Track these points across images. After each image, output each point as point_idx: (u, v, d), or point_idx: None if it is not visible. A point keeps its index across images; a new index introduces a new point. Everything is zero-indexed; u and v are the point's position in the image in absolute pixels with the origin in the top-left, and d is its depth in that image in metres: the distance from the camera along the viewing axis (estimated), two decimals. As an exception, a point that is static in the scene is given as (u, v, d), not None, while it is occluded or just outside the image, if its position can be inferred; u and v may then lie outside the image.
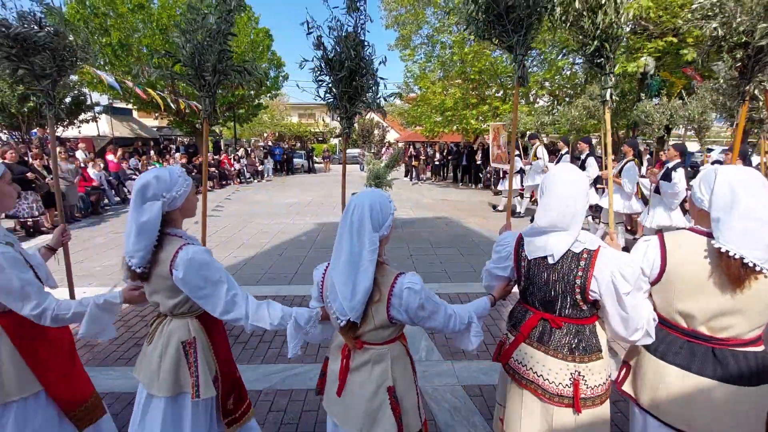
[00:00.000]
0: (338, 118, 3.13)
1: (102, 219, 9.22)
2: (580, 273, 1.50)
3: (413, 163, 18.45)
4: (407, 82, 17.82)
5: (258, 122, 31.08)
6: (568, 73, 12.86)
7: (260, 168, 18.35)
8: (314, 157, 25.13)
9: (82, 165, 9.92)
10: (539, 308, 1.64)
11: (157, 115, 19.86)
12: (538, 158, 8.63)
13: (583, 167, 7.00)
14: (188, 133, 19.83)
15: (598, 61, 2.28)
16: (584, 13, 2.15)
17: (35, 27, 2.54)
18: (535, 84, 13.22)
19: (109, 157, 12.27)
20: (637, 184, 6.07)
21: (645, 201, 6.03)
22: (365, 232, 1.41)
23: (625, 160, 6.13)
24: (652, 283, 1.57)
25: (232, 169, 16.46)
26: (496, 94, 15.17)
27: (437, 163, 18.31)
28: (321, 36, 2.88)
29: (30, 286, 1.62)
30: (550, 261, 1.55)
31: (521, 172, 9.30)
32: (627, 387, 1.72)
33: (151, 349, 1.70)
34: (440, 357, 3.39)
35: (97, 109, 17.72)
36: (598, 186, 7.10)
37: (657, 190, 5.31)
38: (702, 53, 2.46)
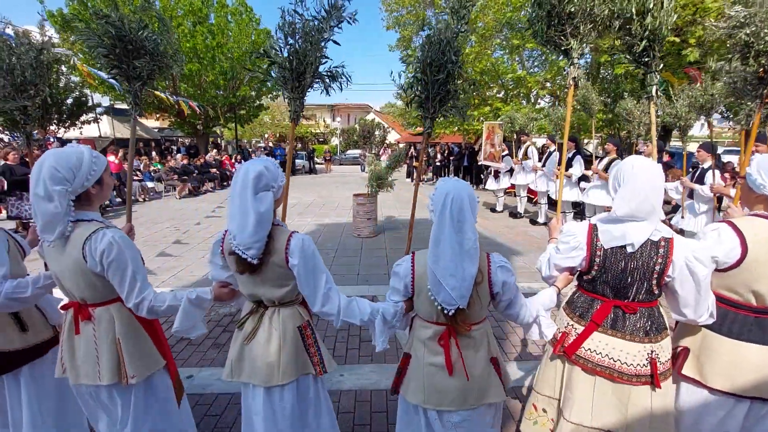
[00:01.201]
0: (421, 117, 3.10)
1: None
2: (659, 260, 1.57)
3: (414, 164, 18.44)
4: (408, 81, 17.82)
5: (259, 123, 31.13)
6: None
7: (261, 169, 18.34)
8: (315, 158, 25.15)
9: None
10: (610, 296, 1.69)
11: (158, 116, 19.88)
12: (528, 157, 8.84)
13: (569, 165, 7.34)
14: (189, 134, 19.85)
15: (646, 59, 2.45)
16: (633, 17, 2.32)
17: (142, 31, 2.64)
18: (536, 84, 13.22)
19: (110, 158, 12.29)
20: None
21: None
22: (467, 222, 1.48)
23: (609, 158, 6.51)
24: (729, 268, 1.66)
25: (234, 170, 16.47)
26: (498, 95, 15.17)
27: (438, 164, 18.30)
28: (431, 35, 2.85)
29: (141, 273, 1.65)
30: (630, 250, 1.61)
31: (511, 171, 9.49)
32: (689, 371, 1.79)
33: (262, 344, 1.68)
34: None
35: (98, 110, 17.75)
36: (582, 183, 7.36)
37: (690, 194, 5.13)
38: (722, 59, 2.59)
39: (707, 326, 1.72)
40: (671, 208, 6.05)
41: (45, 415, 1.93)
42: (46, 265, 1.70)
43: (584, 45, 2.49)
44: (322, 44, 2.79)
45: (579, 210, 8.22)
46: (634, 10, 2.30)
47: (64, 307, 1.74)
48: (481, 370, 1.61)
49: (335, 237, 7.65)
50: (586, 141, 11.29)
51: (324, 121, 40.89)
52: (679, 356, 1.80)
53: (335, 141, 38.06)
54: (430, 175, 19.11)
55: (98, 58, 2.67)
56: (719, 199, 5.04)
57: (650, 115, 2.74)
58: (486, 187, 10.90)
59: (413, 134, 19.43)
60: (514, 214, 9.46)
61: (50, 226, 1.53)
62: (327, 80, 2.91)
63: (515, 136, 9.75)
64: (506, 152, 9.78)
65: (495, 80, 14.67)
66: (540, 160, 8.73)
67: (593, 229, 1.70)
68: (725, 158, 9.72)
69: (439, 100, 2.87)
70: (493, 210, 10.29)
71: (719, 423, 1.74)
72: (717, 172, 4.69)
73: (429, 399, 1.61)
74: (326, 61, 2.87)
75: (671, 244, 1.58)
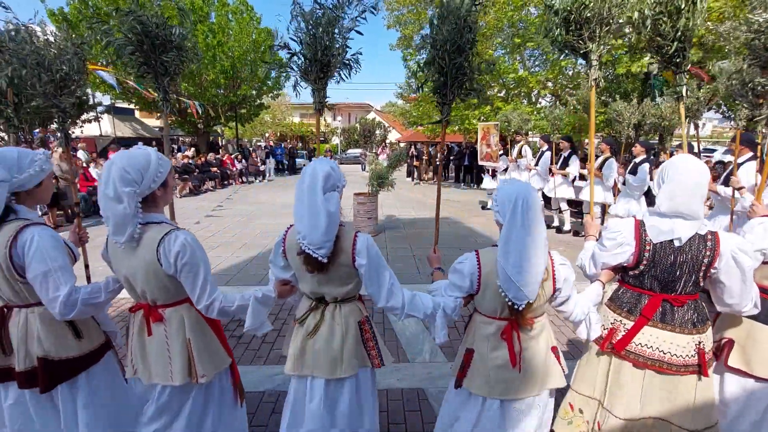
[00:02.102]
0: (438, 103, 2.89)
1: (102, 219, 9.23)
2: (707, 253, 1.65)
3: (415, 163, 18.42)
4: (409, 82, 17.79)
5: (260, 122, 31.10)
6: (570, 72, 12.83)
7: (262, 168, 18.35)
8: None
9: (84, 165, 9.92)
10: (657, 290, 1.76)
11: (159, 115, 19.86)
12: (522, 156, 9.06)
13: (566, 164, 7.60)
14: (189, 133, 19.84)
15: (677, 60, 2.51)
16: (664, 18, 2.37)
17: (165, 25, 2.58)
18: (537, 84, 13.19)
19: (111, 156, 12.30)
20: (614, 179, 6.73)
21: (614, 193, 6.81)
22: (535, 221, 1.55)
23: (603, 156, 6.82)
24: None
25: (234, 169, 16.45)
26: (498, 94, 15.14)
27: (438, 163, 18.25)
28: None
29: (211, 275, 1.68)
30: (677, 244, 1.68)
31: (506, 170, 9.70)
32: (735, 362, 1.89)
33: (325, 339, 1.74)
34: (444, 359, 3.37)
35: (99, 109, 17.74)
36: (580, 182, 7.58)
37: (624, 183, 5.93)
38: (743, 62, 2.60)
39: (752, 317, 1.80)
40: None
41: (101, 421, 1.89)
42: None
43: (602, 47, 2.52)
44: (346, 34, 2.72)
45: (578, 209, 8.34)
46: (648, 12, 2.35)
47: (133, 309, 1.76)
48: (542, 359, 1.71)
49: (336, 236, 7.63)
50: (587, 141, 11.28)
51: (325, 120, 40.87)
52: (723, 348, 1.89)
53: (336, 140, 38.03)
54: (430, 174, 19.08)
55: (123, 56, 2.61)
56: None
57: (680, 115, 2.82)
58: (483, 186, 11.04)
59: (425, 133, 19.35)
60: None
61: (121, 227, 1.55)
62: (345, 69, 2.85)
63: (516, 137, 9.89)
64: (502, 152, 10.01)
65: (496, 79, 14.64)
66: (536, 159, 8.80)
67: (641, 225, 1.77)
68: (726, 158, 9.71)
69: (458, 84, 2.72)
70: (484, 207, 10.55)
71: (765, 410, 1.84)
72: (646, 165, 5.19)
73: (494, 390, 1.70)
74: (347, 51, 2.81)
75: (717, 237, 1.65)
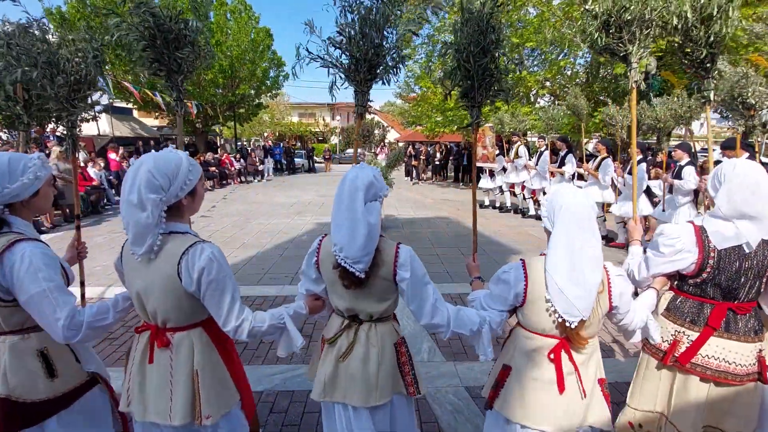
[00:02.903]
0: (467, 107, 2.76)
1: (102, 218, 9.21)
2: None
3: (413, 162, 18.42)
4: (408, 81, 17.77)
5: (258, 122, 31.06)
6: (569, 72, 12.83)
7: (260, 167, 18.33)
8: (314, 157, 25.12)
9: (82, 164, 9.90)
10: (719, 298, 1.69)
11: (157, 114, 19.83)
12: (519, 156, 9.28)
13: (562, 163, 7.81)
14: (188, 132, 19.80)
15: (707, 65, 2.55)
16: (696, 24, 2.40)
17: (181, 22, 2.43)
18: (536, 83, 13.20)
19: (111, 155, 12.26)
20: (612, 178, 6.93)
21: (618, 192, 6.97)
22: (589, 230, 1.43)
23: (600, 157, 7.02)
24: None
25: (233, 168, 16.43)
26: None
27: (438, 162, 18.28)
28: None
29: (238, 292, 1.49)
30: (746, 249, 1.61)
31: (503, 170, 10.05)
32: None
33: (360, 361, 1.58)
34: (442, 358, 3.37)
35: (97, 108, 17.66)
36: (577, 181, 7.79)
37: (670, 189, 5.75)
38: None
39: None
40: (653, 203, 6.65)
41: None
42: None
43: (642, 50, 2.51)
44: (404, 32, 2.56)
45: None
46: (690, 16, 2.37)
47: (139, 330, 1.55)
48: (589, 388, 1.51)
49: (334, 236, 7.62)
50: (586, 141, 11.32)
51: (323, 119, 40.82)
52: None
53: (335, 140, 38.00)
54: (429, 173, 19.08)
55: (134, 53, 2.44)
56: (696, 193, 5.41)
57: (706, 119, 2.88)
58: (480, 185, 11.13)
59: (424, 133, 19.29)
60: (524, 215, 9.84)
61: (140, 238, 1.38)
62: (393, 71, 2.66)
63: (512, 138, 10.11)
64: (498, 152, 10.26)
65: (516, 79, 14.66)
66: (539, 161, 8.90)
67: (701, 231, 1.69)
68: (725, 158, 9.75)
69: (486, 86, 2.64)
70: (481, 205, 10.82)
71: None
72: (692, 168, 5.23)
73: (530, 416, 1.51)
74: (398, 51, 2.61)
75: None
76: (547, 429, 1.49)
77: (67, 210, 8.63)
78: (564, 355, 1.49)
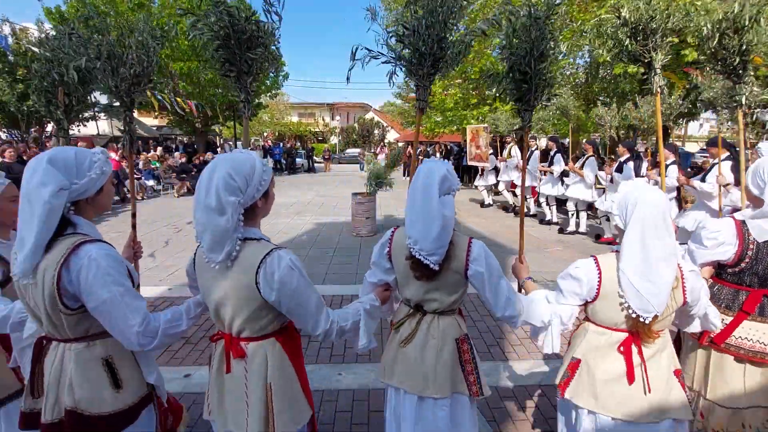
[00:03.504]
0: (519, 111, 2.69)
1: (102, 218, 9.20)
2: None
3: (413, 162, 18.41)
4: (407, 81, 17.78)
5: (258, 121, 31.08)
6: (569, 73, 12.85)
7: (260, 167, 18.33)
8: (314, 157, 25.13)
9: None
10: (756, 286, 1.84)
11: (156, 114, 19.82)
12: (512, 156, 9.63)
13: (551, 162, 8.21)
14: (188, 132, 19.80)
15: (740, 71, 2.69)
16: (729, 33, 2.53)
17: (254, 23, 2.37)
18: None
19: (111, 155, 12.25)
20: (596, 175, 7.25)
21: (602, 190, 7.37)
22: (664, 225, 1.44)
23: (586, 156, 7.39)
24: None
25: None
26: (497, 94, 15.13)
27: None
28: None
29: (318, 294, 1.45)
30: None
31: (494, 170, 10.49)
32: None
33: (418, 350, 1.62)
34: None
35: (96, 107, 17.69)
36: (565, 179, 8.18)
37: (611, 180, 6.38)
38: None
39: None
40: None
41: None
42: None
43: (664, 57, 2.64)
44: (475, 30, 2.54)
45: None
46: (724, 25, 2.52)
47: (214, 338, 1.51)
48: (664, 380, 1.54)
49: (334, 236, 7.64)
50: (584, 140, 11.38)
51: (323, 119, 40.84)
52: None
53: (334, 140, 38.02)
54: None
55: (207, 52, 2.36)
56: (678, 190, 5.81)
57: (738, 122, 3.04)
58: (476, 183, 11.69)
59: (424, 134, 19.34)
60: (505, 208, 10.43)
61: (219, 244, 1.31)
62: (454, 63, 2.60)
63: (506, 138, 10.49)
64: (492, 152, 10.64)
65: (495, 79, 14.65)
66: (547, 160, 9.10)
67: (743, 225, 1.85)
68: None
69: (540, 90, 2.63)
70: (482, 205, 11.09)
71: None
72: (675, 167, 5.64)
73: (600, 405, 1.55)
74: (461, 45, 2.54)
75: None
76: (617, 416, 1.53)
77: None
78: (633, 348, 1.54)
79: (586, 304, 1.64)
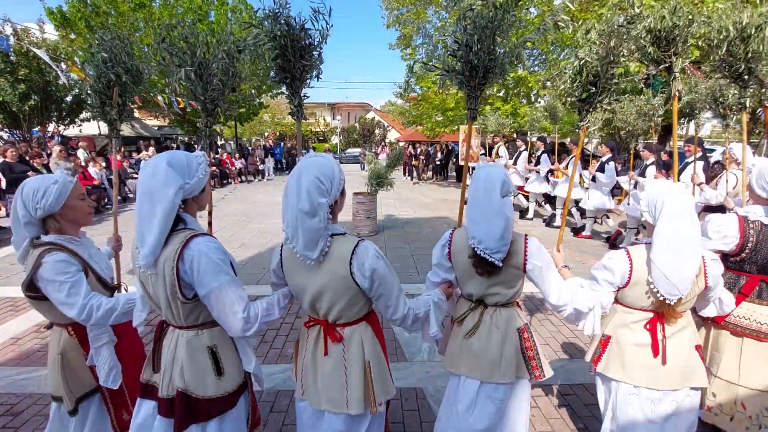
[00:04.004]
0: (581, 110, 2.77)
1: (103, 218, 9.22)
2: None
3: (413, 162, 18.42)
4: (408, 81, 17.77)
5: (259, 121, 31.09)
6: (570, 72, 12.82)
7: (261, 167, 18.34)
8: (315, 157, 25.06)
9: (83, 164, 9.91)
10: (755, 272, 2.07)
11: (157, 114, 19.84)
12: (500, 156, 10.04)
13: (538, 162, 8.62)
14: (189, 132, 19.82)
15: (745, 77, 2.86)
16: (737, 41, 2.70)
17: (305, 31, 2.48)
18: (536, 84, 13.20)
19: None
20: (581, 174, 7.65)
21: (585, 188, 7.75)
22: (691, 221, 1.61)
23: (571, 155, 7.85)
24: None
25: (233, 168, 16.44)
26: (498, 94, 15.13)
27: (438, 162, 18.28)
28: None
29: (400, 285, 1.60)
30: None
31: None
32: None
33: (484, 341, 1.75)
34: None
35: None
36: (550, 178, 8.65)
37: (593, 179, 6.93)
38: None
39: None
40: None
41: None
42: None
43: (683, 61, 2.77)
44: (525, 40, 2.63)
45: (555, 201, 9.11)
46: (732, 33, 2.68)
47: (308, 324, 1.65)
48: (686, 353, 1.76)
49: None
50: (586, 141, 11.39)
51: (324, 119, 40.83)
52: None
53: (335, 139, 38.01)
54: (429, 173, 19.08)
55: (265, 61, 2.49)
56: None
57: (743, 124, 3.23)
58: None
59: (425, 133, 19.31)
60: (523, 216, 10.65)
61: (313, 243, 1.44)
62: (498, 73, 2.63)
63: (494, 138, 10.74)
64: (483, 152, 11.03)
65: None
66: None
67: (744, 220, 2.07)
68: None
69: (607, 92, 2.71)
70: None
71: None
72: (653, 167, 5.92)
73: (630, 375, 1.78)
74: (511, 57, 2.61)
75: None
76: (640, 384, 1.76)
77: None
78: (659, 326, 1.76)
79: (617, 289, 1.83)
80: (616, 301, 1.89)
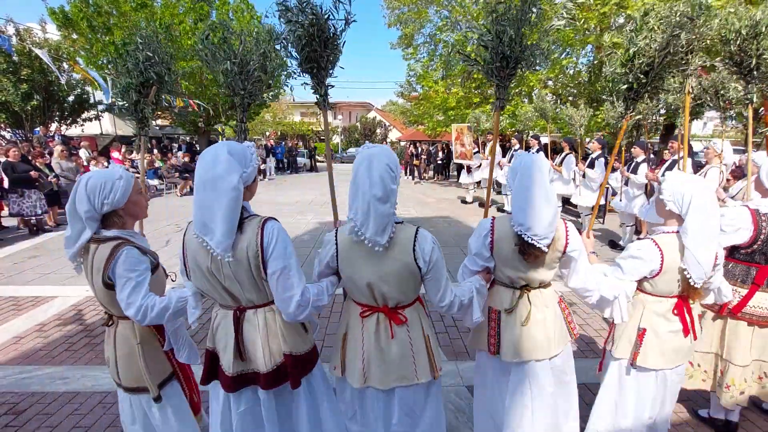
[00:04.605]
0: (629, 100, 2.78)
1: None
2: None
3: (415, 162, 18.41)
4: (410, 80, 17.77)
5: (260, 121, 31.09)
6: (572, 72, 12.80)
7: (262, 167, 18.35)
8: (316, 156, 25.12)
9: (85, 163, 9.93)
10: (763, 263, 2.19)
11: (159, 113, 19.86)
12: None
13: (512, 158, 8.98)
14: (190, 131, 19.84)
15: (754, 72, 2.95)
16: (749, 38, 2.79)
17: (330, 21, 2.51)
18: (538, 83, 13.17)
19: (114, 154, 12.31)
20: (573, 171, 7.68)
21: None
22: (715, 209, 1.76)
23: (564, 153, 7.83)
24: None
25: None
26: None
27: (439, 162, 18.27)
28: None
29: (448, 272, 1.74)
30: None
31: (479, 166, 10.81)
32: None
33: (540, 323, 1.85)
34: (444, 357, 3.37)
35: (99, 107, 17.75)
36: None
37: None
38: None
39: None
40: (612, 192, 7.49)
41: (327, 422, 1.83)
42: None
43: (697, 59, 2.80)
44: (550, 27, 2.71)
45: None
46: (744, 33, 2.78)
47: (364, 314, 1.70)
48: (698, 327, 2.01)
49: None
50: (588, 140, 11.37)
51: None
52: None
53: (336, 139, 38.01)
54: (430, 173, 19.06)
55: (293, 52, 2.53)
56: (651, 186, 6.10)
57: (749, 120, 3.29)
58: (460, 181, 12.26)
59: (426, 133, 19.30)
60: (482, 204, 10.77)
61: (382, 228, 1.52)
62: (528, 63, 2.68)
63: (487, 136, 10.86)
64: (476, 150, 11.09)
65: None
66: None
67: (757, 213, 2.20)
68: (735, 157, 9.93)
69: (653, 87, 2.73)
70: (464, 201, 11.40)
71: None
72: (645, 165, 6.08)
73: (669, 361, 1.93)
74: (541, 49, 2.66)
75: None
76: (681, 364, 1.97)
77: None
78: (685, 309, 1.93)
79: (642, 279, 1.92)
80: (644, 292, 1.98)
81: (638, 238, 2.09)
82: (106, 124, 18.39)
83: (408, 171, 19.27)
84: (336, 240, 1.66)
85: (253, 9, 17.75)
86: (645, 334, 1.95)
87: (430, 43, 16.91)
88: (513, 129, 11.65)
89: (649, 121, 7.48)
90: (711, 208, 1.76)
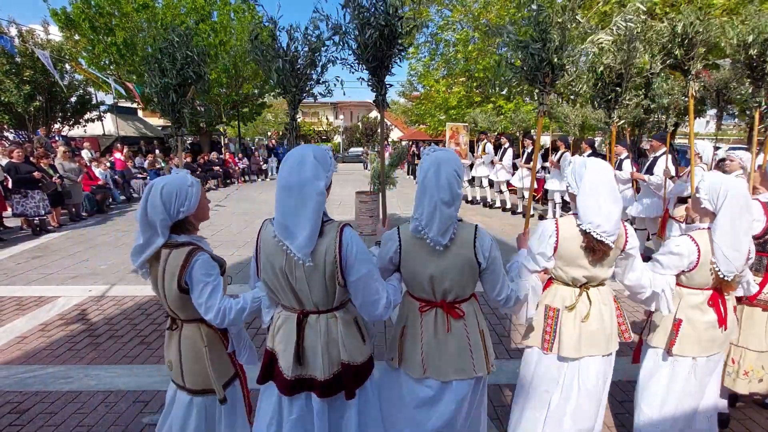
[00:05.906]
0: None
1: (108, 218, 9.27)
2: None
3: (416, 161, 18.41)
4: (411, 80, 17.76)
5: (262, 121, 31.13)
6: (573, 71, 12.78)
7: (264, 167, 18.38)
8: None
9: (87, 164, 9.97)
10: None
11: (161, 114, 19.90)
12: (486, 153, 10.27)
13: (528, 160, 8.96)
14: (191, 132, 19.89)
15: (765, 76, 3.08)
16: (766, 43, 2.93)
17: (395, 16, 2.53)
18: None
19: (116, 155, 12.35)
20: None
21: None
22: (747, 208, 1.87)
23: (561, 152, 8.19)
24: None
25: (237, 168, 16.50)
26: (501, 93, 15.09)
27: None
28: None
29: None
30: None
31: (471, 165, 10.95)
32: None
33: (598, 319, 1.92)
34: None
35: (102, 108, 17.81)
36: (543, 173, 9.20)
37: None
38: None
39: None
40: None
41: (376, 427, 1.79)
42: None
43: (699, 64, 2.97)
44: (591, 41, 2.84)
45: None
46: (762, 38, 2.93)
47: (423, 309, 1.74)
48: (732, 318, 2.08)
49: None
50: (557, 138, 11.62)
51: (327, 118, 40.85)
52: None
53: (338, 139, 38.02)
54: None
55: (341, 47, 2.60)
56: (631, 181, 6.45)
57: (755, 120, 3.37)
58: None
59: (428, 132, 19.27)
60: (471, 201, 11.14)
61: (446, 230, 1.58)
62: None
63: (481, 136, 10.95)
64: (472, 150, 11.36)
65: (498, 78, 14.59)
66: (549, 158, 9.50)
67: (767, 205, 2.36)
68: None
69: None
70: (466, 201, 11.48)
71: None
72: (629, 161, 6.21)
73: (704, 350, 2.03)
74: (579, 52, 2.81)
75: None
76: (716, 352, 2.07)
77: (73, 209, 8.70)
78: (719, 301, 2.02)
79: (680, 272, 2.03)
80: (680, 284, 2.08)
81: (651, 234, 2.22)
82: (109, 125, 18.44)
83: (410, 170, 19.27)
84: (399, 237, 1.71)
85: (254, 9, 17.76)
86: (681, 325, 2.04)
87: (431, 43, 16.89)
88: (513, 130, 11.60)
89: (652, 120, 7.48)
90: (743, 207, 1.85)
